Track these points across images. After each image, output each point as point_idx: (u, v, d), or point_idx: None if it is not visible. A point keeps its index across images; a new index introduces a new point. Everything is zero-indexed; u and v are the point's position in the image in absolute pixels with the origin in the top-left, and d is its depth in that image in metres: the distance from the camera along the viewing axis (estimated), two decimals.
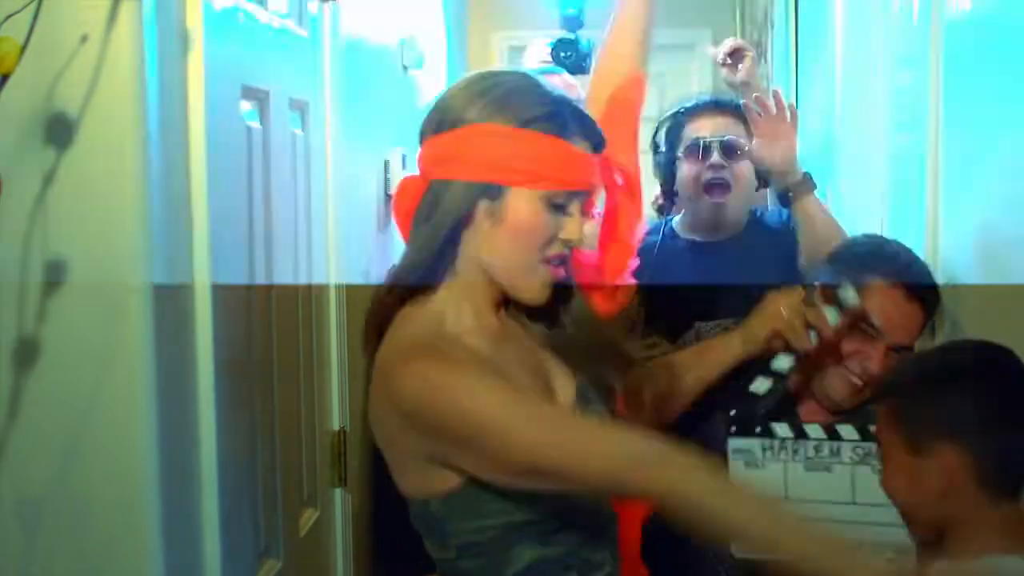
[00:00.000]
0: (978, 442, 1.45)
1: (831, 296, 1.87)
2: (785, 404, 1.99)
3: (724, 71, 2.54)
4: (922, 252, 2.17)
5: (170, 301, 1.51)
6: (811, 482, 1.89)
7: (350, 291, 2.43)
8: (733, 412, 1.93)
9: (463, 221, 1.42)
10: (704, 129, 2.51)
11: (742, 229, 2.55)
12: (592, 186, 1.45)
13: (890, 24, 2.69)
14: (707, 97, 2.62)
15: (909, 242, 2.13)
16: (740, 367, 1.92)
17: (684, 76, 5.85)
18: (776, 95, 2.36)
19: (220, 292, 1.62)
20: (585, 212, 1.47)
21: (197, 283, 1.58)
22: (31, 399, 1.44)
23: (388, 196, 2.98)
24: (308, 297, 2.19)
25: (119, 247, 1.44)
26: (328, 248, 2.31)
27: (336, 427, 2.35)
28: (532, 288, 1.45)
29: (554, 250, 1.43)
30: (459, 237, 1.43)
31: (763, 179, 2.53)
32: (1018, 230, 1.79)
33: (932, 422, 1.49)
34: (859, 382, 1.95)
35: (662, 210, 2.72)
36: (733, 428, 1.93)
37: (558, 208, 1.41)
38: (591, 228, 1.61)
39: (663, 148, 2.57)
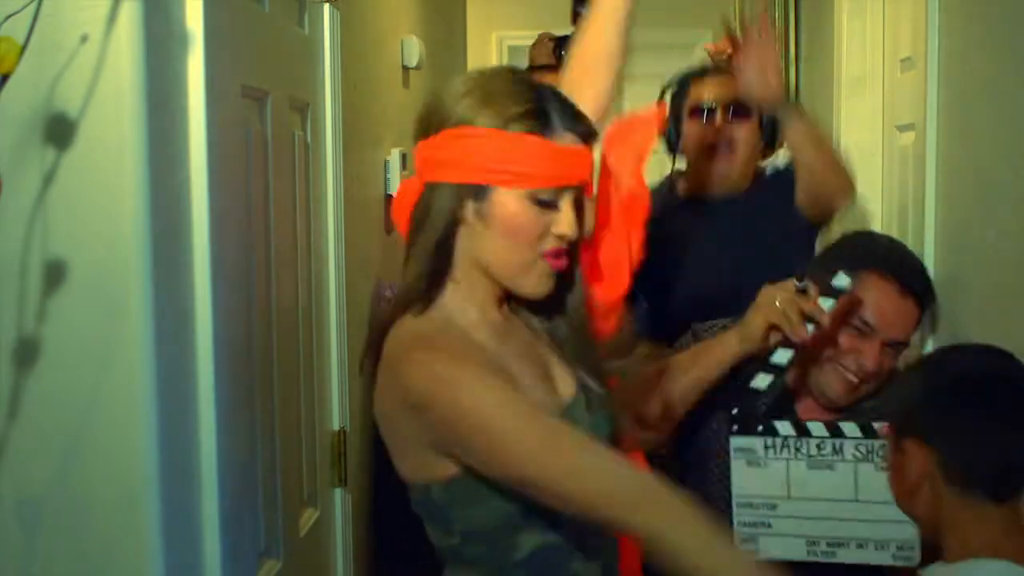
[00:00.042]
0: (938, 440, 1.47)
1: (825, 287, 1.87)
2: (785, 401, 1.99)
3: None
4: (922, 252, 2.17)
5: (170, 301, 1.51)
6: (814, 479, 1.89)
7: (350, 291, 2.43)
8: (735, 410, 1.93)
9: (455, 223, 1.43)
10: (709, 92, 2.54)
11: (745, 190, 2.55)
12: (582, 180, 1.44)
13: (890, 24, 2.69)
14: (712, 63, 2.63)
15: (908, 242, 2.13)
16: (739, 366, 1.93)
17: None
18: (762, 20, 2.35)
19: (220, 292, 1.62)
20: (582, 203, 1.47)
21: (197, 283, 1.58)
22: (31, 399, 1.44)
23: (388, 196, 2.99)
24: (308, 297, 2.19)
25: (119, 247, 1.44)
26: (328, 248, 2.31)
27: (336, 427, 2.35)
28: (532, 283, 1.45)
29: (548, 245, 1.43)
30: (454, 238, 1.44)
31: (768, 141, 2.54)
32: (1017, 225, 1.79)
33: (901, 419, 1.54)
34: (855, 379, 1.95)
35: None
36: (735, 426, 1.93)
37: (546, 204, 1.41)
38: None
39: (669, 111, 2.59)
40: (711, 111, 2.52)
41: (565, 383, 1.53)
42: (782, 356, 1.91)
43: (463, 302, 1.47)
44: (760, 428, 1.92)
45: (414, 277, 1.46)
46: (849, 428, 1.90)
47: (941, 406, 1.49)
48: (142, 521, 1.46)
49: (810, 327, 1.84)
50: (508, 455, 1.34)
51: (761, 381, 1.93)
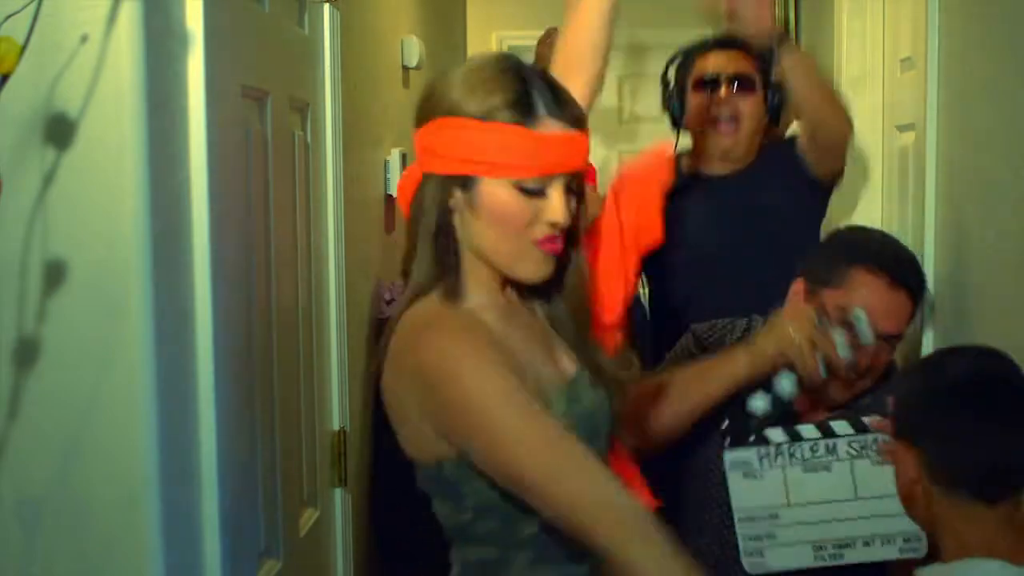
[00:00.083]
0: (924, 441, 1.48)
1: (843, 319, 1.85)
2: (783, 418, 1.97)
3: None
4: (922, 252, 2.17)
5: (170, 301, 1.51)
6: (811, 483, 1.88)
7: (350, 291, 2.43)
8: (725, 424, 1.92)
9: (447, 212, 1.44)
10: (713, 65, 2.53)
11: (749, 164, 2.54)
12: (571, 167, 1.44)
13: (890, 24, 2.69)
14: (716, 36, 2.62)
15: (908, 242, 2.13)
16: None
17: None
18: None
19: (220, 292, 1.62)
20: (580, 188, 1.46)
21: (197, 283, 1.58)
22: (31, 399, 1.44)
23: (388, 196, 2.99)
24: (308, 297, 2.19)
25: (119, 247, 1.44)
26: (328, 248, 2.31)
27: (336, 427, 2.35)
28: (528, 268, 1.45)
29: (540, 232, 1.43)
30: (451, 227, 1.45)
31: (773, 116, 2.53)
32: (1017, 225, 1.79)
33: (898, 422, 1.55)
34: (851, 375, 1.94)
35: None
36: (727, 440, 1.91)
37: (534, 193, 1.41)
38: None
39: (673, 83, 2.58)
40: (715, 83, 2.51)
41: (568, 361, 1.53)
42: (786, 387, 1.87)
43: (467, 286, 1.47)
44: (752, 439, 1.90)
45: (424, 272, 1.46)
46: (840, 426, 1.89)
47: (931, 408, 1.50)
48: (142, 521, 1.46)
49: (823, 368, 1.81)
50: (503, 456, 1.35)
51: (758, 403, 1.89)
